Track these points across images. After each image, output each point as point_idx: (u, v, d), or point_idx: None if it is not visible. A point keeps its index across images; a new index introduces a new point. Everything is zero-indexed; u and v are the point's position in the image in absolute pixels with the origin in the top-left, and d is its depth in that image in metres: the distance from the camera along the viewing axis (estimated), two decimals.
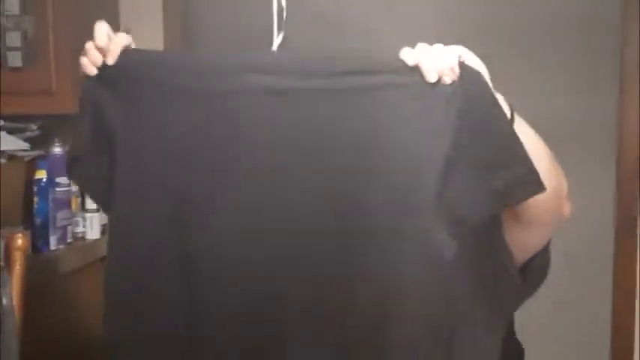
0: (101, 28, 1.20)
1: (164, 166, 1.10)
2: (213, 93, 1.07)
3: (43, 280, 2.11)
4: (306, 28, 2.98)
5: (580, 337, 2.83)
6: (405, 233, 1.04)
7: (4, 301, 1.53)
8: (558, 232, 1.26)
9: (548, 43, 3.19)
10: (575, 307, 3.10)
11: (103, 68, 1.17)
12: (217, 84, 1.06)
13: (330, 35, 3.16)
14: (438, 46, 1.08)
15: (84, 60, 1.21)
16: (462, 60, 1.09)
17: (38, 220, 2.16)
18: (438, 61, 1.06)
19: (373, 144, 1.05)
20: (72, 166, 1.24)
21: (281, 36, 1.29)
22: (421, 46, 1.08)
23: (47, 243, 2.18)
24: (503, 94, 1.14)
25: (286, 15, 1.21)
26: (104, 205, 1.23)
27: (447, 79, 1.06)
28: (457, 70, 1.06)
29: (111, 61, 1.17)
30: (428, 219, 1.03)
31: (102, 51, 1.18)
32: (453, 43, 1.10)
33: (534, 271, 1.28)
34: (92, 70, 1.20)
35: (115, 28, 2.35)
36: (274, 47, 1.29)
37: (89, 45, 1.20)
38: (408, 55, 1.07)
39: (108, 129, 1.15)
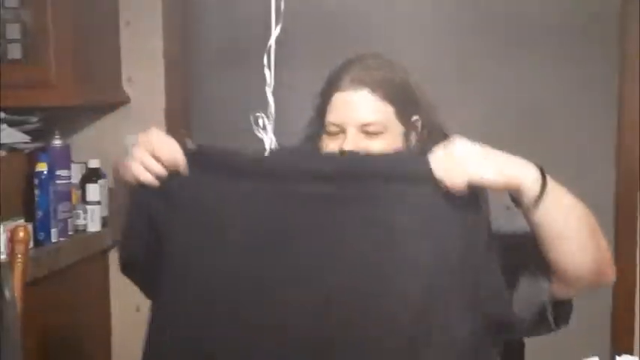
0: (163, 140, 1.20)
1: (217, 258, 1.15)
2: (266, 193, 1.14)
3: (45, 273, 2.11)
4: (305, 21, 2.99)
5: (580, 330, 2.83)
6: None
7: (7, 293, 1.52)
8: None
9: (547, 37, 3.18)
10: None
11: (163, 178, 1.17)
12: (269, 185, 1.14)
13: (330, 29, 3.16)
14: (463, 156, 1.10)
15: (138, 168, 1.18)
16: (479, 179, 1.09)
17: (39, 213, 2.16)
18: (456, 179, 1.09)
19: (392, 245, 1.11)
20: (126, 266, 1.31)
21: (278, 29, 1.29)
22: (447, 155, 1.11)
23: (49, 235, 2.18)
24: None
25: (284, 8, 1.21)
26: (152, 296, 1.28)
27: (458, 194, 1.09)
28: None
29: (184, 172, 1.17)
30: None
31: (158, 159, 1.17)
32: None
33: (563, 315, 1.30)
34: (153, 182, 1.17)
35: (115, 20, 2.34)
36: (272, 41, 1.29)
37: (141, 152, 1.19)
38: (437, 169, 1.10)
39: (160, 229, 1.19)
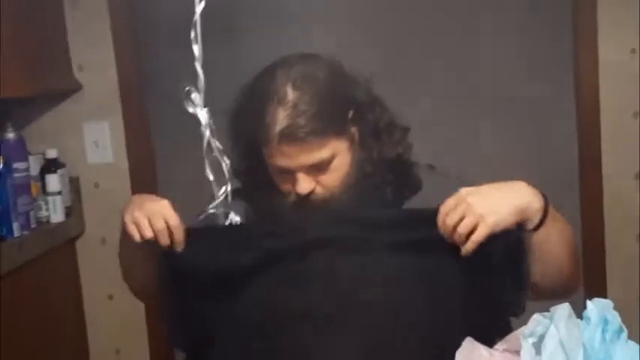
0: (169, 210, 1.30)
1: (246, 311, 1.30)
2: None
3: (10, 268, 2.08)
4: None
5: None
6: None
7: None
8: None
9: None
10: None
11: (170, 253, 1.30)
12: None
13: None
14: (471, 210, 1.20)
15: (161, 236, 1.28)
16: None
17: None
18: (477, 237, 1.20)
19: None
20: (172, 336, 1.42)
21: (203, 3, 1.28)
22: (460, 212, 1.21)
23: (10, 230, 2.14)
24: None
25: None
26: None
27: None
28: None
29: (179, 249, 1.30)
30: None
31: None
32: None
33: None
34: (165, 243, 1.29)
35: (59, 6, 2.28)
36: (197, 15, 1.28)
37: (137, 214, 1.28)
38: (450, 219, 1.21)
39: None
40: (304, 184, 1.31)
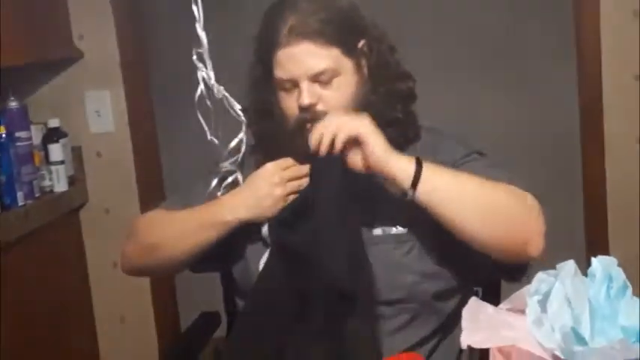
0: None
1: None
2: None
3: (15, 237, 2.09)
4: None
5: (555, 236, 2.90)
6: None
7: None
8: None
9: None
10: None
11: None
12: None
13: None
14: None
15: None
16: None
17: (2, 177, 2.12)
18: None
19: None
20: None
21: None
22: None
23: (14, 199, 2.15)
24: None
25: None
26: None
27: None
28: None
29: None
30: None
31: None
32: None
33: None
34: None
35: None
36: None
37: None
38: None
39: None
40: (307, 95, 1.32)
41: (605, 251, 2.31)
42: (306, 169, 1.32)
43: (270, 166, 1.34)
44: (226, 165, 1.41)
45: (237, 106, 1.38)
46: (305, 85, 1.32)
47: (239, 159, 1.41)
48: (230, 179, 1.42)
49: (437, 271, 1.32)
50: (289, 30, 1.30)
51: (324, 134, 1.25)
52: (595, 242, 2.36)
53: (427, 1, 3.20)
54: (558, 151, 3.15)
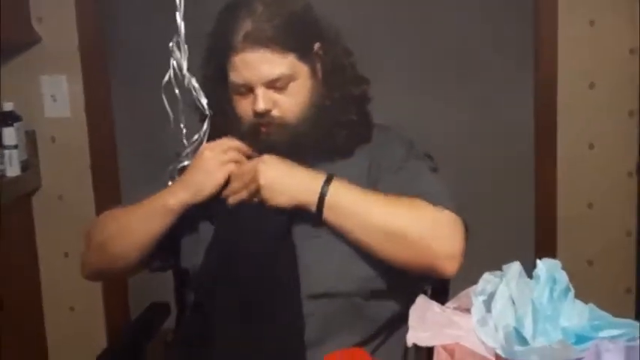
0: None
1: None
2: None
3: None
4: None
5: (504, 237, 2.96)
6: None
7: None
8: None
9: None
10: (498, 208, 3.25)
11: None
12: None
13: None
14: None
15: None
16: None
17: None
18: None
19: None
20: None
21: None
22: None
23: None
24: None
25: None
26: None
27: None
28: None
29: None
30: None
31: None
32: None
33: None
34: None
35: None
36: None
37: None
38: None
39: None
40: (262, 100, 1.32)
41: (553, 254, 2.37)
42: (245, 149, 1.36)
43: (207, 151, 1.35)
44: (184, 155, 1.41)
45: (204, 100, 1.37)
46: (260, 91, 1.32)
47: (195, 150, 1.40)
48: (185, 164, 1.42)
49: (384, 269, 1.34)
50: (245, 36, 1.31)
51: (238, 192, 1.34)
52: (543, 244, 2.40)
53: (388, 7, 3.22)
54: (512, 152, 3.20)
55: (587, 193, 2.43)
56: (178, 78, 1.37)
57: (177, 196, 1.35)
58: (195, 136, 1.39)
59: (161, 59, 1.39)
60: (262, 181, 1.31)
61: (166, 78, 1.37)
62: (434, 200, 1.31)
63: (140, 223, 1.38)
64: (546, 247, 2.38)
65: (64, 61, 2.43)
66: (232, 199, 1.35)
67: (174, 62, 1.36)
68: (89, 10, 2.43)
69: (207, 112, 1.38)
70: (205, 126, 1.39)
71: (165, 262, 1.49)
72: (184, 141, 1.41)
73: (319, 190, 1.30)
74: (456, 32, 3.23)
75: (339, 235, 1.32)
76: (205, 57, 1.41)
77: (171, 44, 1.36)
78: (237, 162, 1.35)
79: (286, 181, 1.31)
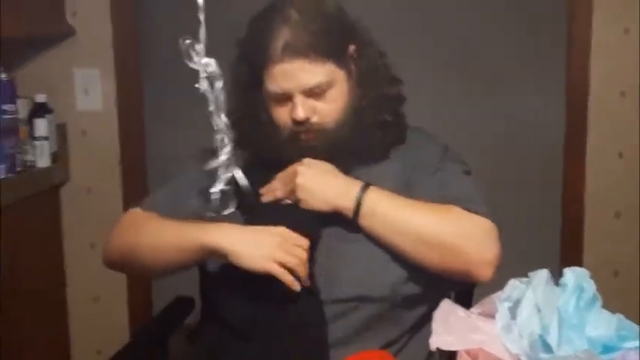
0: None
1: None
2: None
3: None
4: None
5: (530, 246, 2.94)
6: None
7: None
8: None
9: None
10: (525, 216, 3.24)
11: None
12: None
13: None
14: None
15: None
16: None
17: None
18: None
19: None
20: None
21: None
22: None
23: None
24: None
25: None
26: None
27: None
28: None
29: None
30: None
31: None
32: None
33: None
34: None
35: None
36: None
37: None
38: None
39: None
40: (302, 109, 1.32)
41: (579, 262, 2.35)
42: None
43: (277, 236, 1.27)
44: (219, 161, 1.35)
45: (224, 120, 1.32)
46: (299, 99, 1.32)
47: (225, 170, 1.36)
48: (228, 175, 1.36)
49: (416, 274, 1.34)
50: (283, 47, 1.29)
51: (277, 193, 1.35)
52: (569, 253, 2.38)
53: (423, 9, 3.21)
54: (539, 159, 3.18)
55: (615, 203, 2.41)
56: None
57: (217, 242, 1.26)
58: (223, 157, 1.33)
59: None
60: (300, 181, 1.32)
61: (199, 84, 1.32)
62: (469, 205, 1.31)
63: (173, 253, 1.33)
64: (572, 256, 2.36)
65: (97, 55, 2.45)
66: (267, 197, 1.35)
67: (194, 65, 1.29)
68: (124, 5, 2.46)
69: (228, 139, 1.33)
70: (229, 147, 1.33)
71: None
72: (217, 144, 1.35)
73: (356, 196, 1.31)
74: (484, 34, 3.21)
75: (373, 240, 1.32)
76: (237, 63, 1.40)
77: (187, 49, 1.28)
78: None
79: (324, 185, 1.32)
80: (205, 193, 1.36)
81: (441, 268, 1.30)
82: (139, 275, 1.60)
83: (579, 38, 2.36)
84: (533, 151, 3.25)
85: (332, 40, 1.33)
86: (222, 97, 1.31)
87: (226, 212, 1.37)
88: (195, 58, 1.28)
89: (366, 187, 1.31)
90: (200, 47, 1.28)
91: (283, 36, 1.30)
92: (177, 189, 1.47)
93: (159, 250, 1.35)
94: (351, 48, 1.38)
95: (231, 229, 1.28)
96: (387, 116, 1.40)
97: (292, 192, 1.33)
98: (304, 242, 1.27)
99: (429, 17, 3.20)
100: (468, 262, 1.28)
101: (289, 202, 1.35)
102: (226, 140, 1.33)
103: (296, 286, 1.25)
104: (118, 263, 1.48)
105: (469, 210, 1.30)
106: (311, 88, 1.32)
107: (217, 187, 1.34)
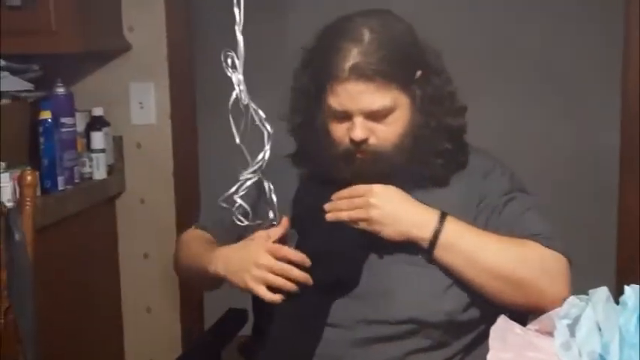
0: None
1: None
2: None
3: (52, 221, 2.12)
4: None
5: (586, 262, 2.89)
6: None
7: (17, 236, 1.54)
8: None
9: None
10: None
11: None
12: None
13: None
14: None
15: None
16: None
17: (45, 161, 2.16)
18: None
19: None
20: None
21: None
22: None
23: (55, 183, 2.18)
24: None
25: None
26: None
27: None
28: None
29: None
30: None
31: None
32: None
33: None
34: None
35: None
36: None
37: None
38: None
39: None
40: (360, 130, 1.32)
41: (636, 280, 2.29)
42: (296, 256, 1.32)
43: (261, 251, 1.31)
44: (246, 175, 1.38)
45: (262, 115, 1.34)
46: (359, 120, 1.32)
47: (262, 167, 1.38)
48: (249, 183, 1.38)
49: (477, 302, 1.33)
50: (351, 68, 1.29)
51: (341, 214, 1.32)
52: (624, 271, 2.33)
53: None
54: (596, 172, 3.13)
55: None
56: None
57: (218, 267, 1.36)
58: (260, 156, 1.36)
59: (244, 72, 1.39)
60: (374, 214, 1.29)
61: (233, 96, 1.32)
62: (545, 240, 1.30)
63: (199, 276, 1.45)
64: (628, 274, 2.31)
65: (152, 69, 2.50)
66: (332, 216, 1.33)
67: (235, 78, 1.32)
68: (179, 20, 2.50)
69: (266, 130, 1.33)
70: (267, 145, 1.35)
71: None
72: (248, 158, 1.37)
73: (434, 227, 1.29)
74: (539, 39, 3.18)
75: (435, 266, 1.31)
76: (300, 70, 1.42)
77: (227, 60, 1.31)
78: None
79: (399, 215, 1.30)
80: (231, 201, 1.37)
81: (511, 302, 1.29)
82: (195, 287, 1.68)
83: (635, 50, 2.32)
84: (587, 164, 3.21)
85: (400, 65, 1.32)
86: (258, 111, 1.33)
87: (253, 223, 1.38)
88: (231, 73, 1.30)
89: (443, 217, 1.29)
90: (238, 62, 1.30)
91: (353, 57, 1.29)
92: (219, 207, 1.48)
93: (192, 273, 1.47)
94: (418, 73, 1.36)
95: (222, 252, 1.36)
96: (447, 145, 1.38)
97: (359, 217, 1.30)
98: (285, 252, 1.30)
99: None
100: (541, 298, 1.28)
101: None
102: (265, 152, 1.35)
103: (275, 298, 1.28)
104: (181, 275, 1.61)
105: (546, 245, 1.30)
106: (373, 111, 1.31)
107: (240, 194, 1.36)
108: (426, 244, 1.29)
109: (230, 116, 1.35)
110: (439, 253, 1.29)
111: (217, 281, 1.40)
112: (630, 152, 2.36)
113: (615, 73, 2.43)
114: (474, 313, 1.33)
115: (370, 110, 1.31)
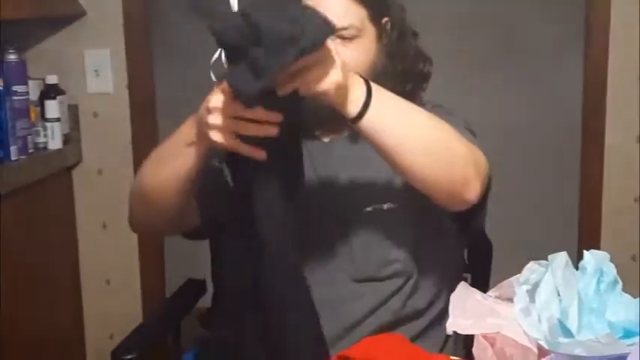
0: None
1: None
2: None
3: (6, 191, 2.08)
4: None
5: (548, 227, 2.92)
6: None
7: None
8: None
9: None
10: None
11: None
12: None
13: None
14: None
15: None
16: None
17: None
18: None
19: None
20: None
21: None
22: None
23: (8, 153, 2.13)
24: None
25: None
26: None
27: None
28: None
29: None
30: None
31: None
32: None
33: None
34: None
35: None
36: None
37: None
38: None
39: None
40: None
41: (596, 247, 2.32)
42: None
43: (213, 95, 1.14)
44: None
45: None
46: None
47: None
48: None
49: (428, 246, 1.33)
50: None
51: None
52: (587, 238, 2.36)
53: None
54: (557, 141, 3.16)
55: (633, 187, 2.38)
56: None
57: (190, 130, 1.22)
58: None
59: (206, 34, 1.35)
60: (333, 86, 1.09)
61: (216, 55, 1.30)
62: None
63: (174, 157, 1.28)
64: (590, 241, 2.33)
65: (107, 35, 2.43)
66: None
67: None
68: None
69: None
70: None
71: (201, 232, 1.44)
72: None
73: (364, 90, 1.13)
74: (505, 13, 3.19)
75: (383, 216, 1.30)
76: None
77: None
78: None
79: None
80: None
81: (442, 176, 1.19)
82: (160, 221, 1.45)
83: (597, 16, 2.33)
84: (549, 133, 3.23)
85: (370, 2, 1.32)
86: None
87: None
88: None
89: (367, 84, 1.14)
90: None
91: None
92: None
93: (164, 176, 1.31)
94: (384, 19, 1.37)
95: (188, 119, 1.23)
96: (405, 89, 1.37)
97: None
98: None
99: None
100: (469, 172, 1.20)
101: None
102: None
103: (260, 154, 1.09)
104: (139, 218, 1.44)
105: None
106: (341, 27, 1.27)
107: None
108: (357, 108, 1.13)
109: (212, 73, 1.29)
110: (369, 115, 1.13)
111: (193, 175, 1.26)
112: (592, 125, 2.38)
113: (579, 42, 2.44)
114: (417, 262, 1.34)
115: (340, 25, 1.26)
